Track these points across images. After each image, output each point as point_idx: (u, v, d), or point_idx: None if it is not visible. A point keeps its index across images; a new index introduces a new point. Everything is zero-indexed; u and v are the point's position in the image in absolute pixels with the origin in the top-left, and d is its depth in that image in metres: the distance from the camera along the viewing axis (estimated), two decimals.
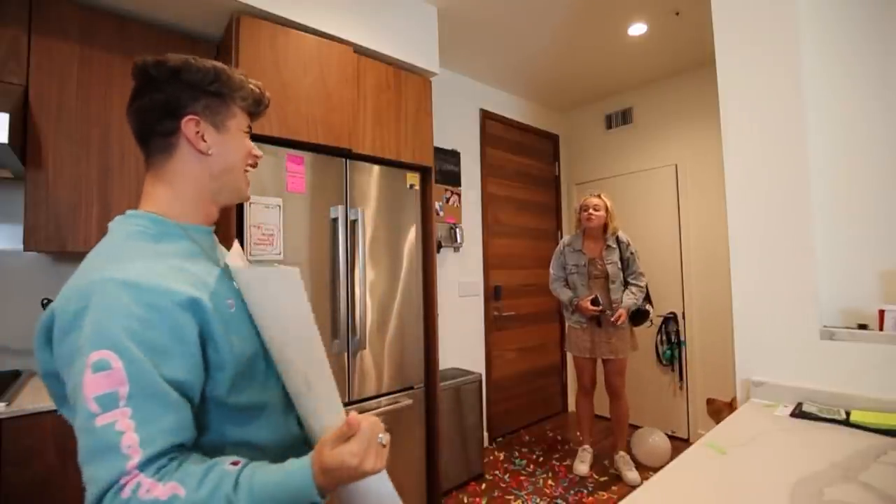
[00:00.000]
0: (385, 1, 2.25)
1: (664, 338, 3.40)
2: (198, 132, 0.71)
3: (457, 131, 3.27)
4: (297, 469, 0.58)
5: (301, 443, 0.74)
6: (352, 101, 2.07)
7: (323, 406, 0.65)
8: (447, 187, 3.13)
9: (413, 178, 2.31)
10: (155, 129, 0.70)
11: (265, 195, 1.79)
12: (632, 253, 2.66)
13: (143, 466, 0.53)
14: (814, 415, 1.15)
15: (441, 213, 3.07)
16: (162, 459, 0.55)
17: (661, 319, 3.42)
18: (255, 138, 1.83)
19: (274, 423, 0.70)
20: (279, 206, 1.82)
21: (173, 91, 0.69)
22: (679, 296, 3.36)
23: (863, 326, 1.27)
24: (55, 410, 1.34)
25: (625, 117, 3.73)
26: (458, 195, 3.21)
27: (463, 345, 3.19)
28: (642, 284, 2.67)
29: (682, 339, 3.33)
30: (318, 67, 1.97)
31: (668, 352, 3.36)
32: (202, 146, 0.71)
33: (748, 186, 1.43)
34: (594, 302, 2.58)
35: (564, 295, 2.72)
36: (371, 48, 2.17)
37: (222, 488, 0.55)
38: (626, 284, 2.67)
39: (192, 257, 0.69)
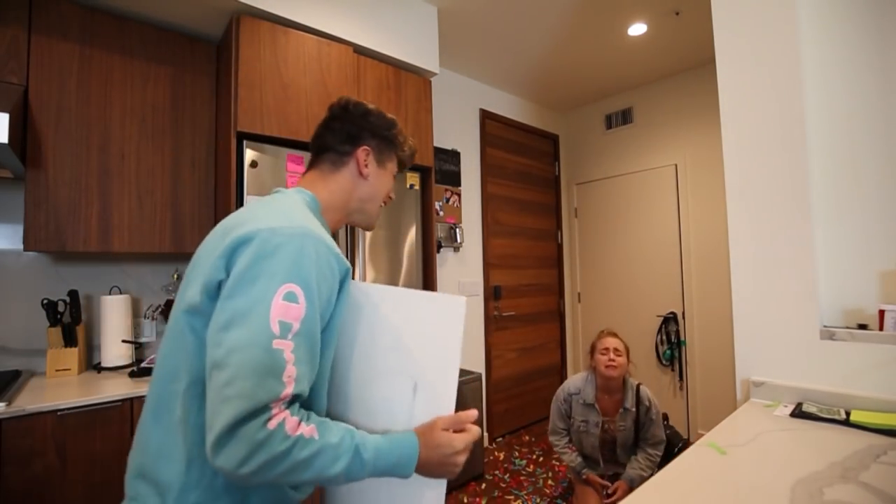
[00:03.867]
0: (385, 1, 2.25)
1: (664, 338, 3.40)
2: (364, 158, 0.87)
3: (457, 131, 3.27)
4: (407, 438, 0.66)
5: None
6: None
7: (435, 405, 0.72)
8: (447, 187, 3.13)
9: (413, 178, 2.31)
10: (335, 147, 0.87)
11: (265, 195, 1.79)
12: (654, 416, 2.02)
13: (290, 401, 0.58)
14: (814, 415, 1.15)
15: (441, 213, 3.07)
16: (299, 400, 0.61)
17: (660, 319, 3.42)
18: (255, 138, 1.84)
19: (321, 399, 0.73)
20: None
21: (360, 126, 0.87)
22: (679, 296, 3.36)
23: (863, 326, 1.27)
24: (55, 410, 1.35)
25: (625, 117, 3.73)
26: (458, 195, 3.21)
27: (463, 345, 3.18)
28: (656, 456, 2.00)
29: (682, 339, 3.33)
30: (318, 67, 1.97)
31: (668, 352, 3.36)
32: (365, 171, 0.87)
33: (748, 186, 1.42)
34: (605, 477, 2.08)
35: (570, 459, 2.09)
36: (371, 48, 2.17)
37: (352, 439, 0.62)
38: (636, 445, 2.04)
39: (336, 251, 0.75)
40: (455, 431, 0.68)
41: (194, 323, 0.65)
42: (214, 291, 0.64)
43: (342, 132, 0.87)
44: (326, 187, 0.86)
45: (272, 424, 0.56)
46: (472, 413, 0.70)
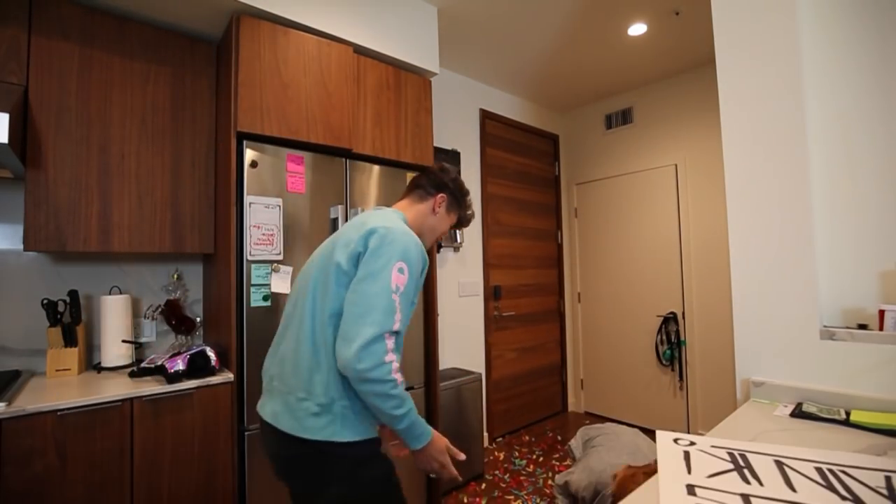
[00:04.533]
0: (385, 1, 2.25)
1: (664, 338, 3.40)
2: (440, 202, 1.32)
3: (457, 131, 3.27)
4: (429, 428, 1.06)
5: None
6: (352, 101, 2.07)
7: None
8: None
9: None
10: (425, 187, 1.33)
11: (265, 195, 1.79)
12: None
13: (394, 333, 1.00)
14: (814, 415, 1.15)
15: None
16: (399, 336, 1.04)
17: (660, 319, 3.42)
18: (256, 138, 1.84)
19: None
20: (279, 206, 1.82)
21: (445, 183, 1.33)
22: (679, 296, 3.36)
23: (863, 326, 1.27)
24: (55, 410, 1.35)
25: (625, 117, 3.73)
26: None
27: (463, 345, 3.19)
28: None
29: (682, 339, 3.33)
30: (318, 67, 1.97)
31: (668, 352, 3.36)
32: (436, 209, 1.32)
33: (748, 186, 1.42)
34: None
35: None
36: (371, 48, 2.17)
37: (411, 404, 1.02)
38: None
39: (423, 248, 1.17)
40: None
41: (340, 278, 1.06)
42: (355, 259, 1.06)
43: (434, 180, 1.33)
44: (411, 212, 1.30)
45: (388, 358, 0.97)
46: (462, 455, 1.10)
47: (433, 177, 1.33)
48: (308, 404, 1.02)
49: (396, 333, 1.00)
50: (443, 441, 1.07)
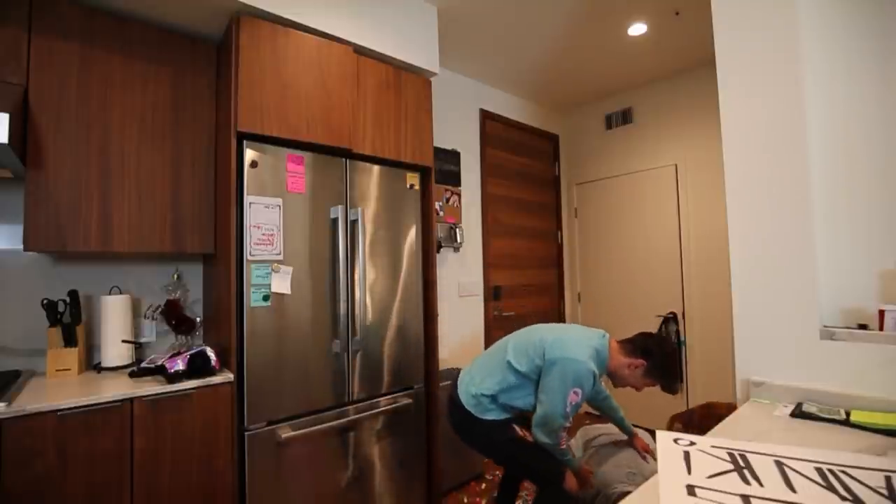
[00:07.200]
0: (385, 1, 2.25)
1: None
2: (637, 365, 1.64)
3: (457, 131, 3.27)
4: (576, 461, 1.68)
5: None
6: (352, 101, 2.07)
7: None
8: (447, 187, 3.13)
9: (413, 178, 2.31)
10: (635, 346, 1.67)
11: (265, 195, 1.79)
12: None
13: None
14: (814, 415, 1.15)
15: (441, 213, 3.07)
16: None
17: (660, 319, 3.42)
18: (256, 138, 1.83)
19: None
20: (279, 206, 1.82)
21: (652, 354, 1.64)
22: (679, 296, 3.36)
23: (863, 326, 1.27)
24: (56, 410, 1.36)
25: (625, 117, 3.73)
26: (458, 195, 3.21)
27: (463, 345, 3.19)
28: None
29: (682, 339, 3.33)
30: (318, 67, 1.97)
31: None
32: (630, 369, 1.66)
33: (748, 186, 1.42)
34: None
35: None
36: (371, 48, 2.17)
37: (569, 455, 1.65)
38: None
39: (595, 372, 1.62)
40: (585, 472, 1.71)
41: (527, 357, 1.66)
42: (541, 357, 1.62)
43: (642, 345, 1.65)
44: (617, 357, 1.66)
45: (562, 442, 1.60)
46: (589, 484, 1.69)
47: (645, 342, 1.65)
48: (473, 389, 1.71)
49: (565, 427, 1.59)
50: (585, 470, 1.71)
